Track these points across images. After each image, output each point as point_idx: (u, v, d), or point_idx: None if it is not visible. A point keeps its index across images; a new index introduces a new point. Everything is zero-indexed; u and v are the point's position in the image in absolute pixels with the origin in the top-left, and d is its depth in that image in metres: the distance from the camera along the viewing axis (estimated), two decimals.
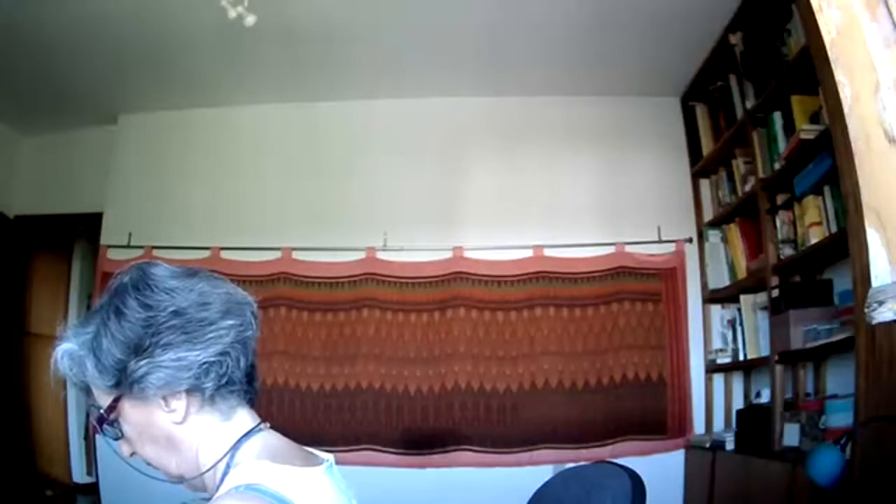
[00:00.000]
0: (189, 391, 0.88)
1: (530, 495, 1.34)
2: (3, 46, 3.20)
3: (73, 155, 4.15)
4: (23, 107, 3.88)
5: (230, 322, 0.91)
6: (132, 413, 0.90)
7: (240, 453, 0.89)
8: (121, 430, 0.91)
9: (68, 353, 0.90)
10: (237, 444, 0.90)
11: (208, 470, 0.90)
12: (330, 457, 0.97)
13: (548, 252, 3.53)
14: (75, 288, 4.63)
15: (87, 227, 4.00)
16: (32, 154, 4.22)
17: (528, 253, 3.53)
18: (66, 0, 2.88)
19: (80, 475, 4.29)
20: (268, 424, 0.96)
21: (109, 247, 3.70)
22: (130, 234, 3.70)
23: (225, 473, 0.87)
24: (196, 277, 0.94)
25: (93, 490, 3.63)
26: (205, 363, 0.87)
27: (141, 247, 3.66)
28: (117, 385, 0.88)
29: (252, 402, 0.97)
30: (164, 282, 0.91)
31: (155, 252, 3.63)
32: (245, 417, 0.94)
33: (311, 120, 3.84)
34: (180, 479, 0.94)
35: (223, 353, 0.89)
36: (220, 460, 0.89)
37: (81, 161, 4.11)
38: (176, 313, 0.88)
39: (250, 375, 0.96)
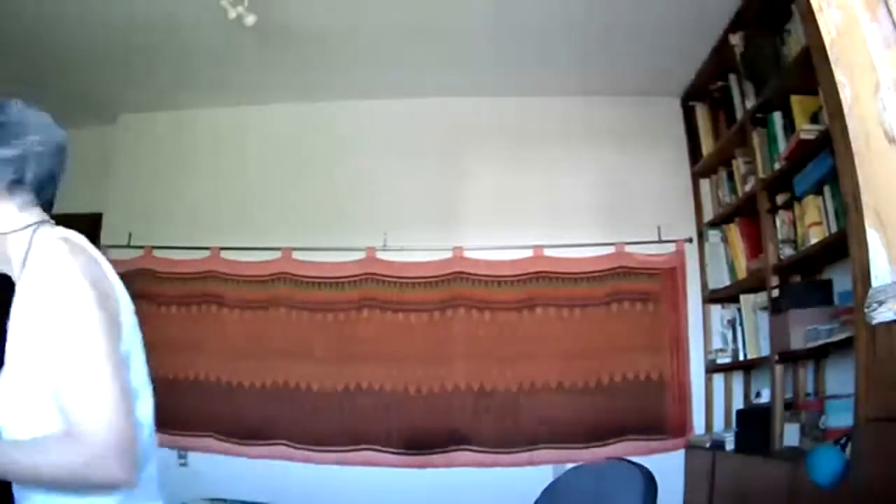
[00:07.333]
0: None
1: (530, 495, 1.34)
2: (3, 46, 3.20)
3: (73, 155, 4.12)
4: None
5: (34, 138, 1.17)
6: None
7: (41, 230, 1.12)
8: None
9: None
10: (38, 224, 1.14)
11: (9, 233, 1.12)
12: None
13: (548, 252, 3.52)
14: None
15: (87, 227, 3.99)
16: None
17: (528, 253, 3.53)
18: (66, 0, 2.88)
19: None
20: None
21: (109, 247, 3.69)
22: (130, 234, 3.70)
23: (31, 242, 1.09)
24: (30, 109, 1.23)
25: None
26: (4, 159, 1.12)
27: (141, 247, 3.66)
28: None
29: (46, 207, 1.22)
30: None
31: (155, 252, 3.63)
32: (40, 213, 1.18)
33: (312, 120, 3.84)
34: None
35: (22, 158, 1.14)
36: (22, 229, 1.12)
37: (81, 161, 4.09)
38: None
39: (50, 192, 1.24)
